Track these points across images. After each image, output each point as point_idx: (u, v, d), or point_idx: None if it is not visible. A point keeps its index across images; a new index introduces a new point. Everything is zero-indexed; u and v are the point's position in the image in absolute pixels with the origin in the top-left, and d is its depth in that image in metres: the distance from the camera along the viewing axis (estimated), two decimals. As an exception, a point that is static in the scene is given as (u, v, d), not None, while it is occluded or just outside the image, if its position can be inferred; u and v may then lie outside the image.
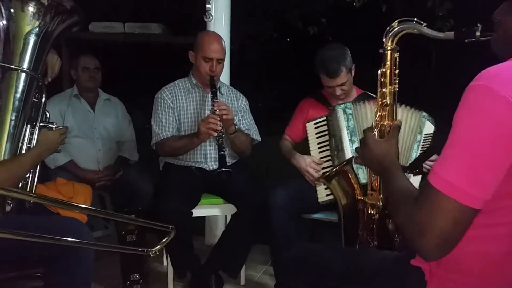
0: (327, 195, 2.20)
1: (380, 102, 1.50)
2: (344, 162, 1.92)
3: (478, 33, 1.29)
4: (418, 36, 1.43)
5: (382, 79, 1.51)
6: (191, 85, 2.59)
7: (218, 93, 2.49)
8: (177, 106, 2.54)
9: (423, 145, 2.11)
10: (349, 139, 2.13)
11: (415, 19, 1.45)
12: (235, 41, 3.08)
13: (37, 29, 1.59)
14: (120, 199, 2.76)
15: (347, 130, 2.14)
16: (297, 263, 1.41)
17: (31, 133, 1.70)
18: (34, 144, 1.73)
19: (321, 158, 2.27)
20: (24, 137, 1.68)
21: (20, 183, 1.72)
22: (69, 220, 1.71)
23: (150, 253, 1.18)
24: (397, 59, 1.51)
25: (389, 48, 1.49)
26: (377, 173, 1.47)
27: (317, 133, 2.28)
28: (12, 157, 1.62)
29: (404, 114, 2.10)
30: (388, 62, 1.50)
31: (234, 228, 2.39)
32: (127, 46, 5.27)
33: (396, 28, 1.47)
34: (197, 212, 2.37)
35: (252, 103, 2.76)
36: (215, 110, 2.27)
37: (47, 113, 1.82)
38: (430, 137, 2.13)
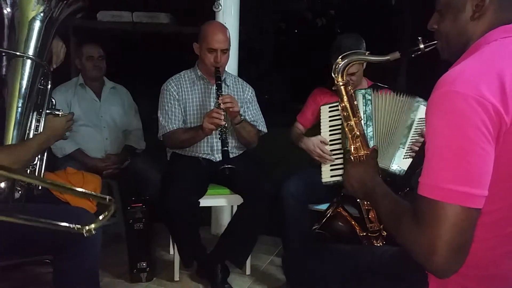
0: (332, 176, 2.17)
1: (350, 135, 1.52)
2: (335, 202, 1.79)
3: (422, 45, 1.33)
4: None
5: (345, 114, 1.55)
6: (196, 77, 2.57)
7: (223, 85, 2.47)
8: (182, 98, 2.53)
9: (415, 129, 2.12)
10: (364, 123, 2.11)
11: (356, 50, 1.55)
12: (243, 32, 3.04)
13: (41, 15, 1.58)
14: (128, 188, 2.77)
15: (363, 114, 2.15)
16: (299, 263, 1.40)
17: (38, 120, 1.69)
18: (41, 131, 1.72)
19: (330, 140, 2.27)
20: (30, 124, 1.68)
21: (28, 170, 1.72)
22: (77, 210, 1.71)
23: (84, 231, 0.98)
24: (352, 91, 1.57)
25: (341, 83, 1.54)
26: (362, 196, 1.40)
27: (330, 116, 2.27)
28: (19, 142, 1.62)
29: (388, 101, 2.13)
30: (345, 97, 1.55)
31: (241, 218, 2.39)
32: (135, 35, 5.26)
33: (342, 63, 1.53)
34: (203, 202, 2.37)
35: (259, 95, 2.73)
36: (220, 104, 2.26)
37: (53, 100, 1.82)
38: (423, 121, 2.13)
